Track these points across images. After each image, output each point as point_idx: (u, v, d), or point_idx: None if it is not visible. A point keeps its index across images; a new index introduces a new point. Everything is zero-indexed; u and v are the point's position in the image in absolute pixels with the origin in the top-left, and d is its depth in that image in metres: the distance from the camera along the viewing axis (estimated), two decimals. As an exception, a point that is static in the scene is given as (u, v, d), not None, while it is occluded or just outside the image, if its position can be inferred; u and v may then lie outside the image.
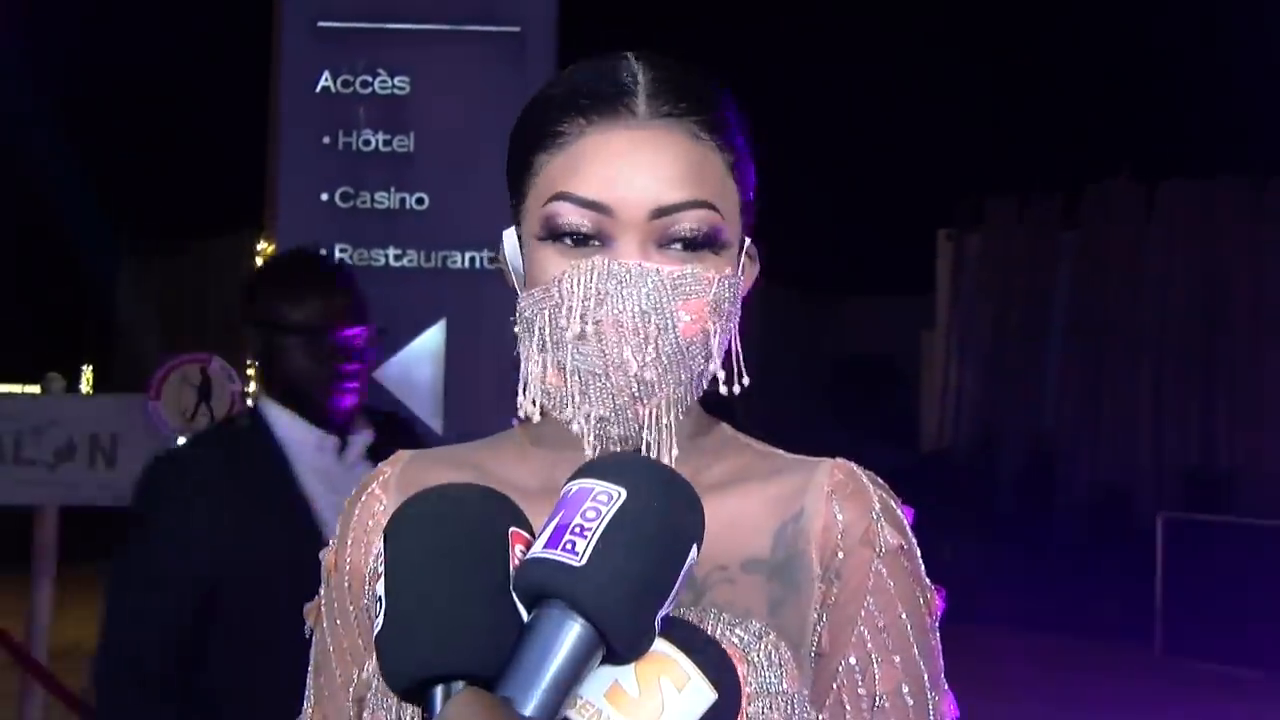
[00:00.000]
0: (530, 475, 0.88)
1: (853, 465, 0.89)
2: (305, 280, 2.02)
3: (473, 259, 4.67)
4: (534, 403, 0.84)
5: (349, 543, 0.93)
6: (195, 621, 1.83)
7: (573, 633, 0.64)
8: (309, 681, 0.94)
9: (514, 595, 0.66)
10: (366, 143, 4.72)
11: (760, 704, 0.78)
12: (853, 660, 0.83)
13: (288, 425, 1.97)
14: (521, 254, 0.89)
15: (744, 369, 0.86)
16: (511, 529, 0.69)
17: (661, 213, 0.82)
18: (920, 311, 11.33)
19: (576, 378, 0.82)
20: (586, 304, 0.81)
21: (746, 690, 0.77)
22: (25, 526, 4.77)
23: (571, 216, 0.82)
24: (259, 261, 7.49)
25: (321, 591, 0.94)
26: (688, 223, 0.82)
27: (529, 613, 0.66)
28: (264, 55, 5.97)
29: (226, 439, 2.08)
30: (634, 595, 0.65)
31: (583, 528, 0.66)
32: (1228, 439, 9.28)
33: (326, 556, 0.94)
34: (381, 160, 4.71)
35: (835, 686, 0.83)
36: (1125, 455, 9.60)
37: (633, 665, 0.67)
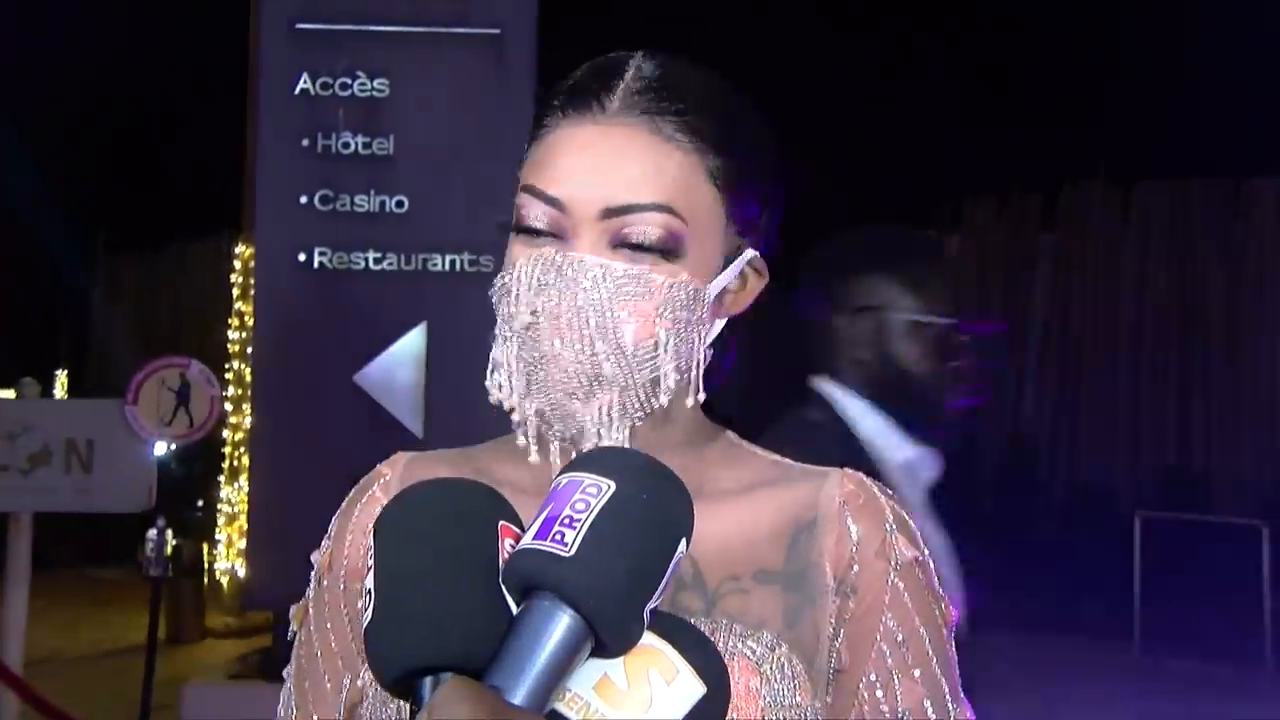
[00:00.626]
0: (530, 478, 0.86)
1: (861, 476, 0.88)
2: (930, 265, 1.79)
3: (453, 261, 4.66)
4: (499, 387, 0.83)
5: (346, 544, 0.91)
6: None
7: (561, 624, 0.64)
8: (290, 686, 0.92)
9: (503, 587, 0.67)
10: (346, 145, 4.69)
11: (773, 717, 0.78)
12: (873, 677, 0.82)
13: (875, 425, 1.71)
14: None
15: (699, 384, 0.84)
16: (501, 522, 0.70)
17: (611, 213, 0.80)
18: (900, 312, 11.36)
19: (520, 367, 0.81)
20: (529, 293, 0.80)
21: (760, 705, 0.77)
22: None
23: (531, 209, 0.82)
24: (236, 265, 7.46)
25: (310, 592, 0.93)
26: (639, 225, 0.80)
27: (518, 605, 0.66)
28: (242, 57, 5.94)
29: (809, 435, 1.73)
30: (623, 586, 0.65)
31: (572, 519, 0.66)
32: (1204, 438, 9.36)
33: (320, 558, 0.93)
34: (361, 163, 4.69)
35: (857, 704, 0.82)
36: (1103, 455, 9.67)
37: (621, 658, 0.67)
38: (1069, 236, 10.02)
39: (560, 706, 0.65)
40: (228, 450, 7.61)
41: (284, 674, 0.94)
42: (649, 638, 0.68)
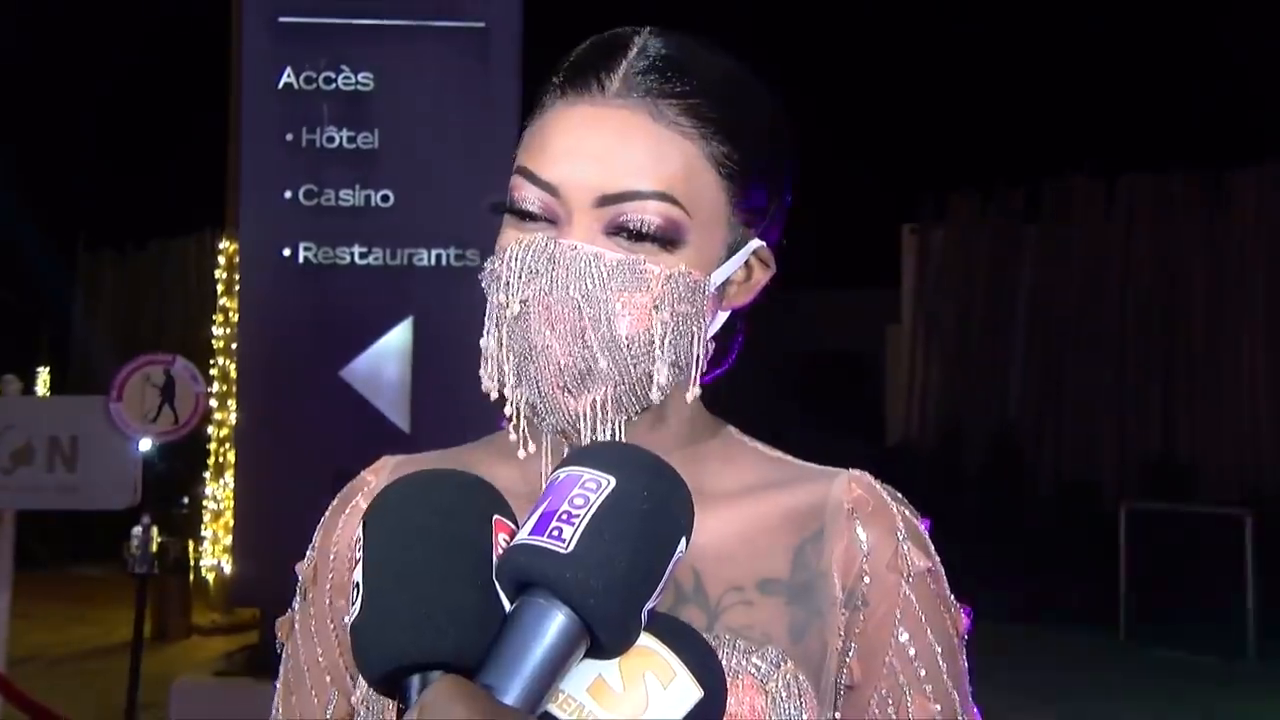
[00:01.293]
0: (520, 477, 0.83)
1: (870, 479, 0.84)
2: None
3: (439, 256, 4.64)
4: (491, 378, 0.79)
5: (330, 557, 0.88)
6: None
7: (557, 622, 0.62)
8: (278, 701, 0.89)
9: (497, 584, 0.64)
10: (330, 140, 4.67)
11: None
12: (885, 692, 0.80)
13: None
14: None
15: (696, 378, 0.80)
16: (495, 516, 0.67)
17: (608, 200, 0.76)
18: (885, 306, 11.40)
19: (510, 357, 0.77)
20: (519, 281, 0.76)
21: None
22: (-17, 531, 4.69)
23: (524, 192, 0.78)
24: (220, 261, 7.42)
25: (295, 606, 0.90)
26: (637, 213, 0.76)
27: (512, 602, 0.64)
28: (224, 51, 5.90)
29: None
30: (621, 586, 0.63)
31: (570, 515, 0.63)
32: (1189, 429, 9.42)
33: (304, 570, 0.90)
34: (345, 157, 4.67)
35: None
36: (1089, 446, 9.72)
37: (617, 660, 0.65)
38: (1052, 229, 10.07)
39: (553, 708, 0.63)
40: (213, 447, 7.58)
41: (274, 684, 0.91)
42: (646, 639, 0.66)
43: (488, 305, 0.79)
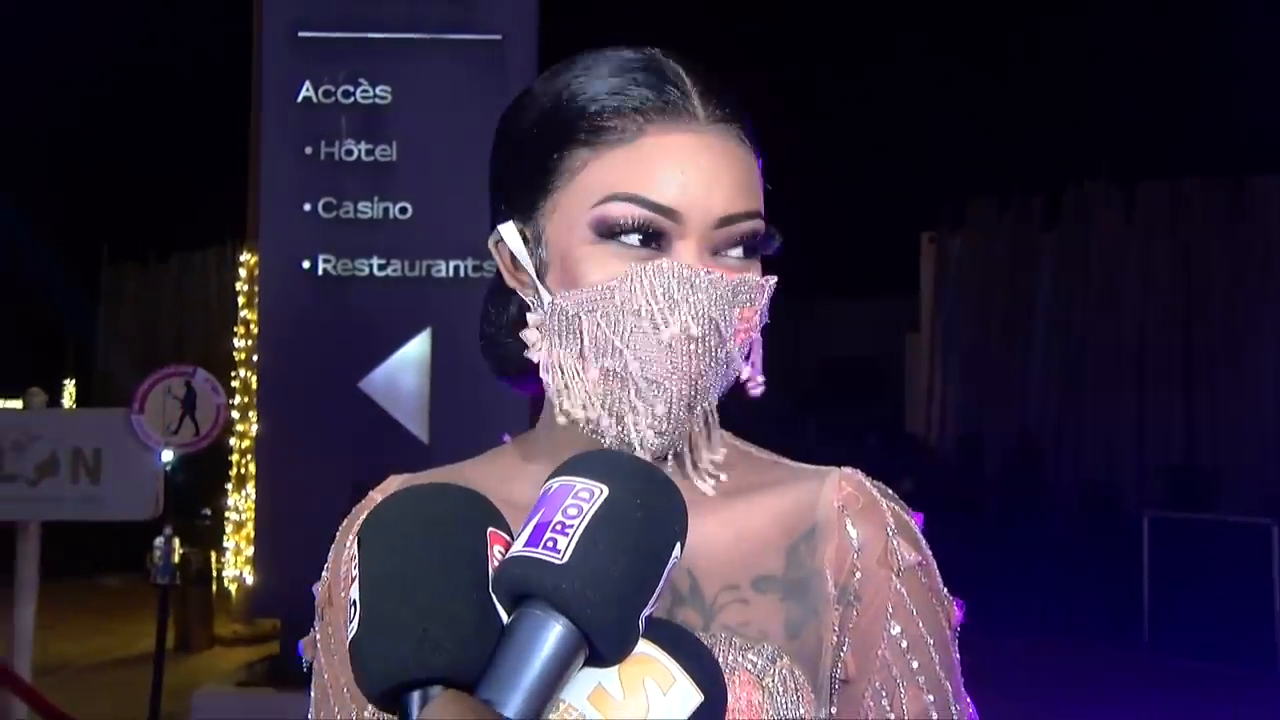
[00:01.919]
0: (523, 491, 0.83)
1: (861, 476, 0.86)
2: None
3: (457, 268, 4.66)
4: (583, 407, 0.80)
5: (341, 576, 0.89)
6: None
7: (554, 633, 0.62)
8: (310, 717, 0.91)
9: (493, 596, 0.64)
10: (349, 152, 4.71)
11: None
12: (878, 685, 0.82)
13: None
14: (539, 250, 0.83)
15: (758, 377, 0.85)
16: (490, 529, 0.67)
17: (726, 221, 0.80)
18: (904, 313, 11.37)
19: (632, 383, 0.78)
20: (658, 308, 0.77)
21: (764, 718, 0.75)
22: (7, 542, 4.73)
23: (638, 218, 0.78)
24: (241, 273, 7.47)
25: (316, 626, 0.91)
26: (750, 230, 0.81)
27: (509, 614, 0.64)
28: (245, 65, 5.96)
29: None
30: (618, 594, 0.63)
31: (564, 525, 0.63)
32: (1210, 437, 9.34)
33: (320, 591, 0.91)
34: (364, 170, 4.71)
35: (863, 713, 0.82)
36: (1109, 454, 9.65)
37: (616, 667, 0.65)
38: (1072, 236, 10.01)
39: (555, 718, 0.64)
40: (235, 458, 7.63)
41: (303, 694, 0.93)
42: (644, 646, 0.66)
43: (576, 332, 0.79)
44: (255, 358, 5.95)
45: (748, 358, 0.84)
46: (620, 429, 0.79)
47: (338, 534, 0.92)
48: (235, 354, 7.49)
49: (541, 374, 0.83)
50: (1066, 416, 9.91)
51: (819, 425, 11.77)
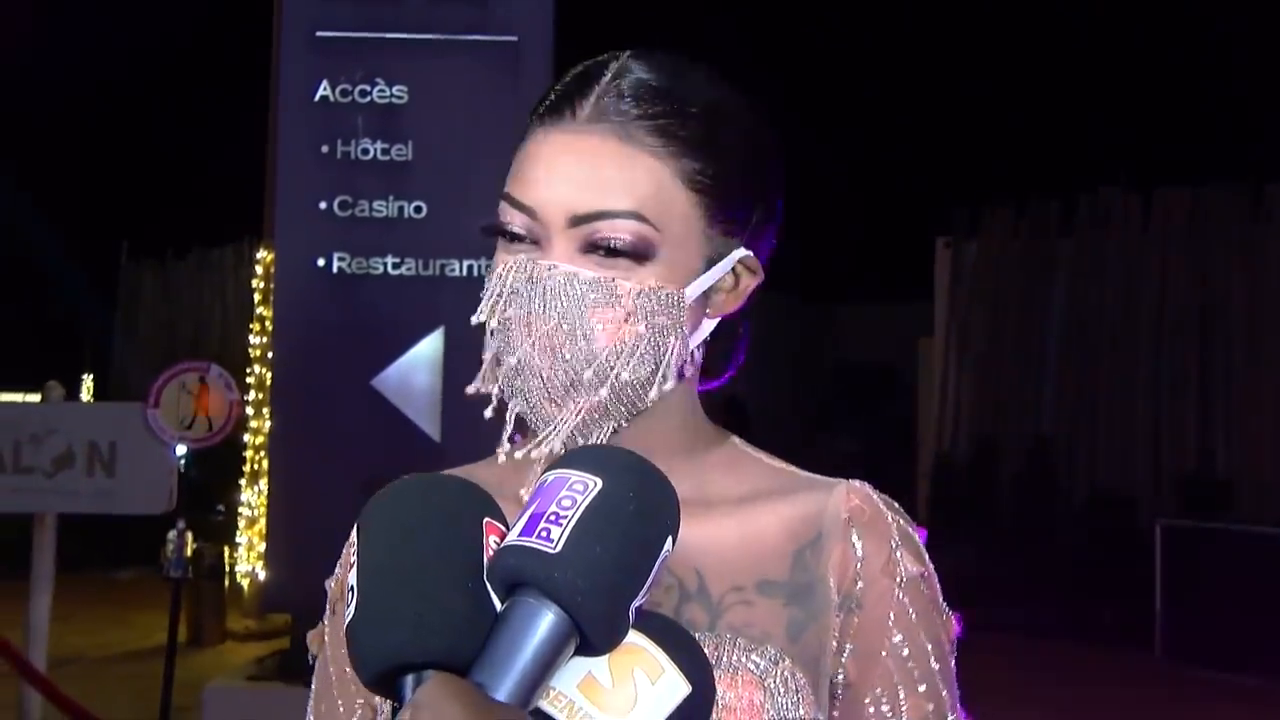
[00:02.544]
0: (529, 489, 0.85)
1: (868, 489, 0.87)
2: None
3: (471, 267, 4.69)
4: (483, 384, 0.84)
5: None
6: None
7: (546, 620, 0.63)
8: (310, 708, 0.93)
9: (488, 584, 0.66)
10: (364, 151, 4.73)
11: None
12: (879, 691, 0.83)
13: None
14: None
15: (669, 374, 0.83)
16: (486, 519, 0.69)
17: (580, 220, 0.80)
18: (918, 319, 11.34)
19: (501, 371, 0.83)
20: (501, 299, 0.82)
21: (764, 719, 0.77)
22: (24, 534, 4.78)
23: (507, 216, 0.83)
24: (258, 270, 7.52)
25: (325, 619, 0.93)
26: (608, 232, 0.80)
27: (503, 602, 0.65)
28: (263, 64, 6.00)
29: None
30: (609, 584, 0.64)
31: (558, 515, 0.65)
32: (1225, 445, 9.29)
33: (332, 586, 0.93)
34: (379, 169, 4.73)
35: (864, 718, 0.84)
36: (1123, 462, 9.60)
37: (606, 656, 0.66)
38: (1087, 243, 9.97)
39: (544, 704, 0.65)
40: (249, 454, 7.67)
41: (306, 691, 0.95)
42: (634, 636, 0.67)
43: (488, 321, 0.84)
44: (270, 354, 5.99)
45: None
46: (509, 415, 0.83)
47: (352, 531, 0.93)
48: (251, 350, 7.54)
49: None
50: (1081, 423, 9.87)
51: (833, 429, 11.75)
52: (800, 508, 0.86)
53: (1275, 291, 9.18)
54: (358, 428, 4.54)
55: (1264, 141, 8.93)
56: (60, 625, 5.15)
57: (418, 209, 4.71)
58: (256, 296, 7.52)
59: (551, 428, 0.82)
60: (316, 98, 4.73)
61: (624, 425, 0.84)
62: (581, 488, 0.67)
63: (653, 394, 0.83)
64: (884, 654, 0.83)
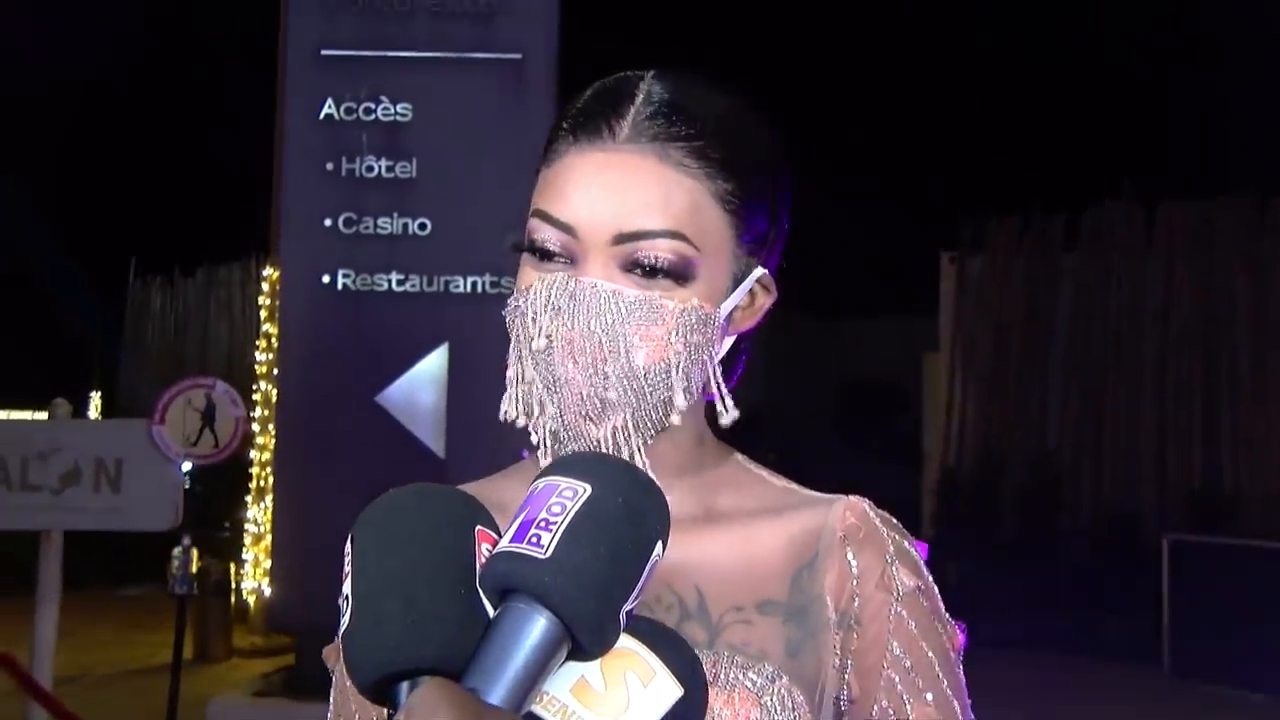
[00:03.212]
0: None
1: (866, 506, 0.88)
2: None
3: (475, 283, 4.71)
4: (515, 407, 0.84)
5: None
6: None
7: (538, 625, 0.64)
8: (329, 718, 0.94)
9: (480, 590, 0.67)
10: (369, 169, 4.77)
11: None
12: (885, 703, 0.84)
13: None
14: None
15: (727, 403, 0.85)
16: (479, 527, 0.70)
17: (623, 239, 0.81)
18: (923, 334, 11.34)
19: (536, 388, 0.82)
20: (544, 317, 0.82)
21: None
22: (30, 551, 4.79)
23: (543, 233, 0.83)
24: (264, 287, 7.55)
25: (339, 635, 0.94)
26: (650, 251, 0.81)
27: (495, 608, 0.66)
28: (269, 83, 6.04)
29: None
30: (599, 588, 0.65)
31: (548, 522, 0.66)
32: (1232, 460, 9.25)
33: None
34: (384, 186, 4.76)
35: None
36: (1129, 477, 9.57)
37: (599, 661, 0.67)
38: (1092, 257, 9.96)
39: (537, 709, 0.66)
40: (255, 470, 7.68)
41: (309, 704, 0.96)
42: (626, 640, 0.68)
43: (512, 339, 0.84)
44: (276, 371, 6.01)
45: (707, 385, 0.85)
46: (532, 434, 0.84)
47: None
48: (257, 367, 7.56)
49: None
50: (1086, 438, 9.83)
51: (837, 444, 11.73)
52: (800, 526, 0.87)
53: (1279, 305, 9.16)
54: (362, 444, 4.55)
55: (1268, 155, 8.93)
56: (66, 642, 5.15)
57: (422, 226, 4.73)
58: (263, 313, 7.55)
59: (586, 444, 0.82)
60: (322, 116, 4.77)
61: (650, 441, 0.84)
62: (571, 494, 0.67)
63: (685, 411, 0.84)
64: (886, 667, 0.84)
